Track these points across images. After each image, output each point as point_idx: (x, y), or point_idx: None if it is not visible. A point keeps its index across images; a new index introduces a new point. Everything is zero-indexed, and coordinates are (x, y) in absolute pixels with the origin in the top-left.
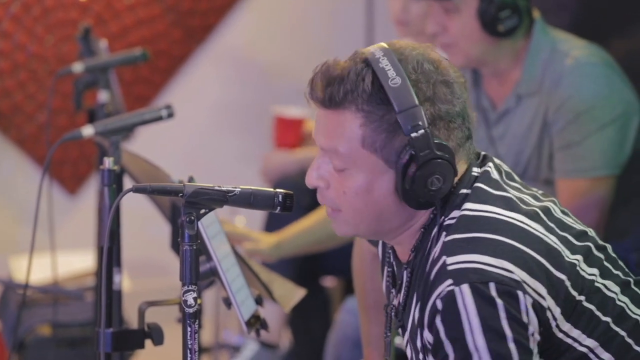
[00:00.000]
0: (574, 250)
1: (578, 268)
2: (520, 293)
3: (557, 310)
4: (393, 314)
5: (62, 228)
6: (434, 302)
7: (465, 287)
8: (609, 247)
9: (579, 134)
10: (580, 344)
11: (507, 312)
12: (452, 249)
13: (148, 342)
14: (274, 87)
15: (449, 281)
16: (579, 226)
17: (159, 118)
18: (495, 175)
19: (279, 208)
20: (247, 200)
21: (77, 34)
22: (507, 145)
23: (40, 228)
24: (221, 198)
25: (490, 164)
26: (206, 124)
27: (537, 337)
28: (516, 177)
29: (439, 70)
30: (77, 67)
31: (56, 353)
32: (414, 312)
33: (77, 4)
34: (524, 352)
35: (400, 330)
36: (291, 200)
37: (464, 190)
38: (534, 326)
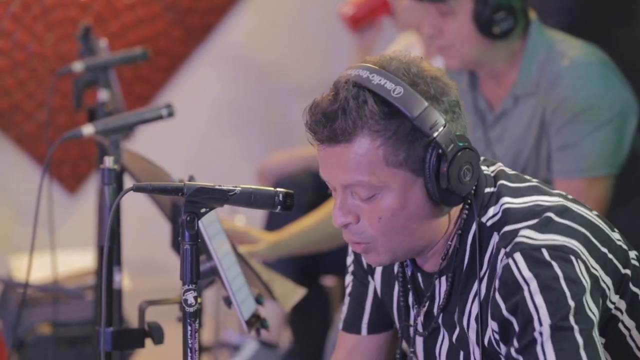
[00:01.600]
0: (611, 227)
1: (619, 243)
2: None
3: (608, 280)
4: (420, 326)
5: (62, 227)
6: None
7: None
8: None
9: (577, 135)
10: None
11: None
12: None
13: (148, 341)
14: (274, 86)
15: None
16: None
17: (159, 117)
18: (508, 169)
19: (279, 207)
20: (248, 199)
21: (77, 32)
22: (505, 146)
23: (40, 227)
24: (221, 197)
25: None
26: (206, 123)
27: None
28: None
29: (422, 68)
30: (77, 66)
31: (56, 352)
32: (469, 311)
33: (77, 2)
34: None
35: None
36: (291, 199)
37: (489, 189)
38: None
